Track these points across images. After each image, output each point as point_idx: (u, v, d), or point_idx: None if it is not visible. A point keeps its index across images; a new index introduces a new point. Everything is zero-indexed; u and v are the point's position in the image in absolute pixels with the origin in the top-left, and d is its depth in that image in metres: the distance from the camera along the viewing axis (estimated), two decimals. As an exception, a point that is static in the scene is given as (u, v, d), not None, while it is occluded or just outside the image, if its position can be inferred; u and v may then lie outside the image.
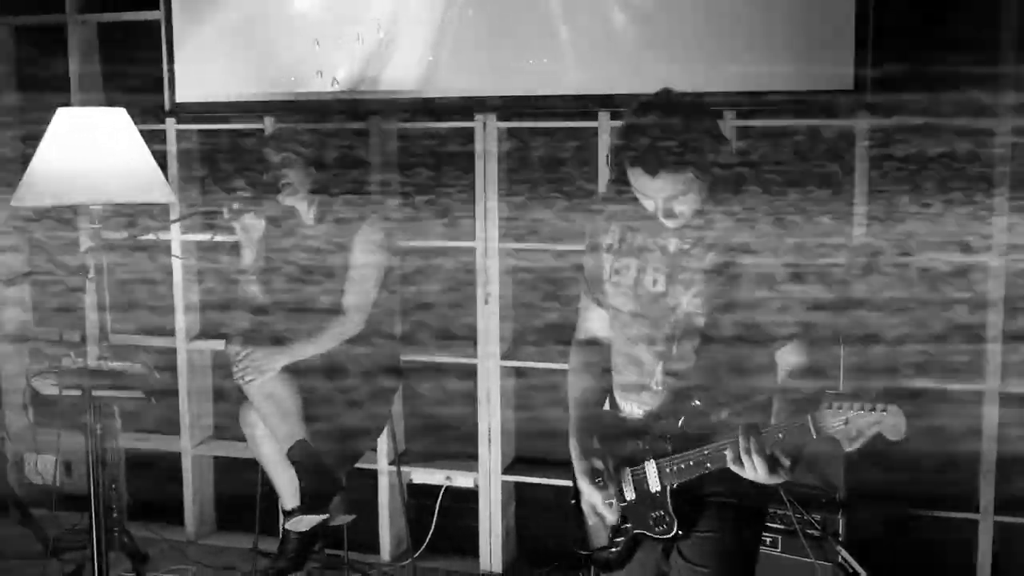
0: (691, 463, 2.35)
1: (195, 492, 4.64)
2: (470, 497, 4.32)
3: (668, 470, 2.39)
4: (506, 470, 4.27)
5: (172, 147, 4.45)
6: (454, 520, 4.39)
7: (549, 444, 4.07)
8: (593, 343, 2.63)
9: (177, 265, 4.49)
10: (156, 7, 4.39)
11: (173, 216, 4.32)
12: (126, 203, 3.83)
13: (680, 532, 2.40)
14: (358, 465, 3.96)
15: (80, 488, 4.60)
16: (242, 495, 4.14)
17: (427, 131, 4.30)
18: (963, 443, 3.76)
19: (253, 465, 3.90)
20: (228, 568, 4.33)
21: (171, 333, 4.56)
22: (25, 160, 3.47)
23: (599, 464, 2.45)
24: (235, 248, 3.88)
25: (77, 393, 3.40)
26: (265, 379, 3.56)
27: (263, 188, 3.72)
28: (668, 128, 2.21)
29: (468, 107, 4.11)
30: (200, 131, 4.55)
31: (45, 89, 4.59)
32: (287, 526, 3.67)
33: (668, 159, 2.21)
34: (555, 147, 4.21)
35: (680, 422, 2.39)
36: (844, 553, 3.40)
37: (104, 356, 3.76)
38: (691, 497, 2.40)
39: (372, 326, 3.75)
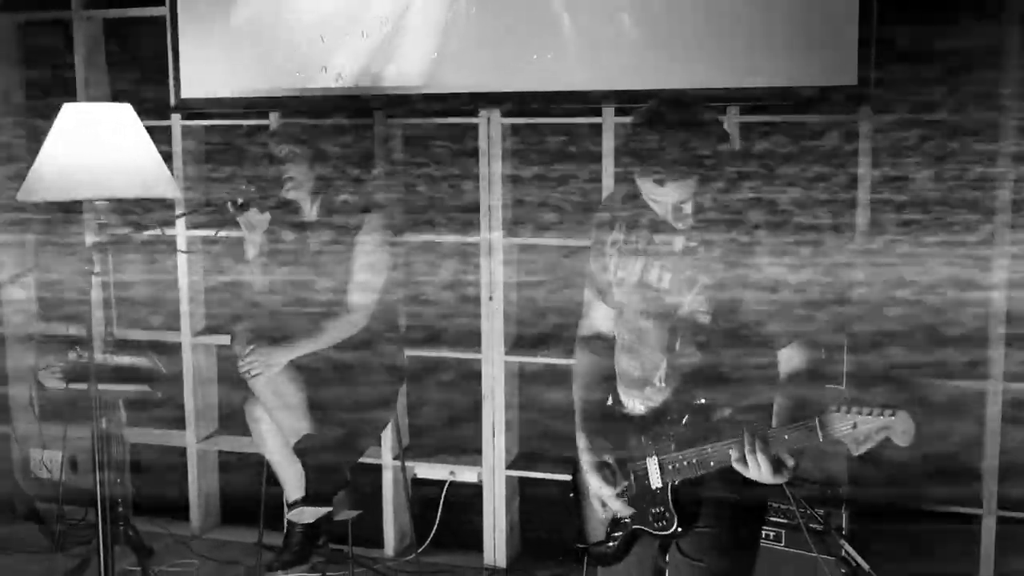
0: (694, 460, 2.36)
1: (200, 487, 4.65)
2: (474, 492, 4.33)
3: (670, 467, 2.40)
4: (510, 465, 4.28)
5: (177, 143, 4.46)
6: (458, 515, 4.40)
7: (553, 439, 4.08)
8: (597, 339, 2.64)
9: (182, 260, 4.51)
10: (162, 3, 4.39)
11: (178, 211, 4.34)
12: (131, 198, 3.85)
13: (680, 529, 2.41)
14: (362, 460, 3.97)
15: (86, 483, 4.63)
16: (247, 490, 4.16)
17: (431, 127, 4.31)
18: (966, 439, 3.77)
19: (258, 460, 3.91)
20: (232, 562, 4.34)
21: (176, 328, 4.58)
22: (31, 155, 3.49)
23: (609, 458, 2.46)
24: (240, 243, 3.89)
25: (83, 387, 3.41)
26: (271, 374, 3.57)
27: (267, 183, 3.73)
28: (673, 138, 2.21)
29: (472, 103, 4.12)
30: (205, 127, 4.56)
31: (51, 85, 4.61)
32: (289, 517, 3.68)
33: (675, 169, 2.22)
34: (559, 143, 4.22)
35: (683, 419, 2.40)
36: (847, 547, 3.40)
37: (110, 351, 3.77)
38: (691, 493, 2.41)
39: (376, 321, 3.77)
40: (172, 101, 4.44)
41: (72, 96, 4.50)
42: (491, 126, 4.11)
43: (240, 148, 4.52)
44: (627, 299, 2.49)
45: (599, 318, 2.64)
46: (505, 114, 4.10)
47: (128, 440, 4.70)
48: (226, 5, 4.33)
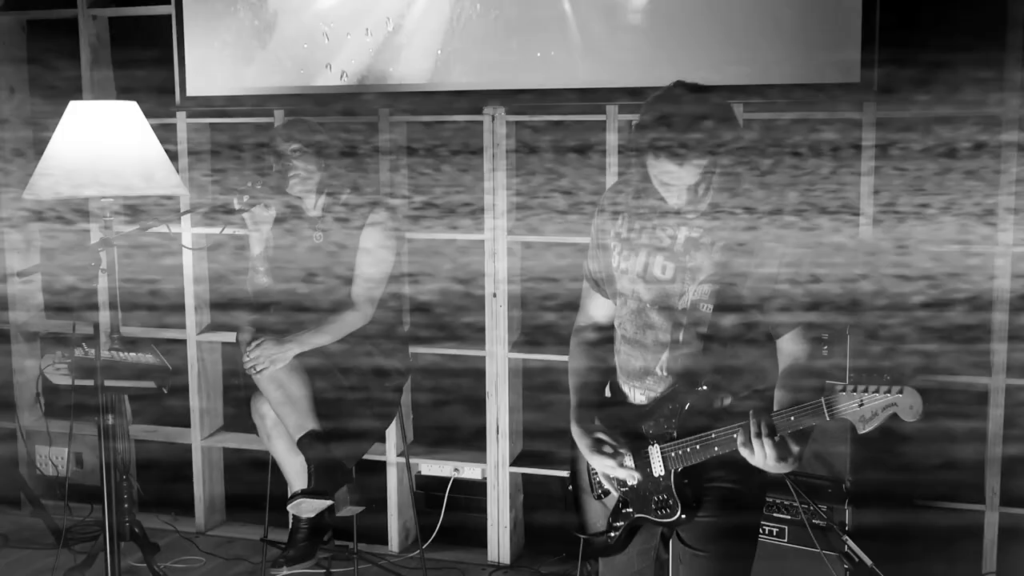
0: (698, 447, 2.37)
1: (205, 483, 4.67)
2: (478, 489, 4.35)
3: (674, 454, 2.41)
4: (514, 462, 4.29)
5: (183, 140, 4.48)
6: (462, 512, 4.41)
7: (557, 436, 4.09)
8: (594, 330, 2.65)
9: (188, 257, 4.52)
10: (167, 1, 4.41)
11: (183, 208, 4.35)
12: (137, 196, 3.86)
13: (683, 516, 2.42)
14: (367, 457, 3.98)
15: (91, 479, 4.65)
16: (252, 486, 4.16)
17: (435, 124, 4.32)
18: (969, 435, 3.78)
19: (263, 456, 3.92)
20: (238, 559, 4.35)
21: (181, 325, 4.59)
22: (38, 153, 3.50)
23: (602, 435, 2.47)
24: (245, 240, 3.90)
25: (89, 383, 3.43)
26: (275, 369, 3.59)
27: (272, 180, 3.74)
28: (693, 116, 2.24)
29: (477, 100, 4.13)
30: (210, 124, 4.58)
31: (57, 83, 4.62)
32: (288, 509, 3.68)
33: (694, 147, 2.23)
34: (563, 140, 4.23)
35: (685, 407, 2.40)
36: (850, 543, 3.41)
37: (115, 348, 3.78)
38: (693, 482, 2.42)
39: (380, 317, 3.78)
40: (177, 99, 4.45)
41: (78, 94, 4.52)
42: (495, 123, 4.12)
43: (245, 145, 4.53)
44: (630, 289, 2.49)
45: (597, 310, 2.64)
46: (509, 111, 4.11)
47: (133, 436, 4.72)
48: (231, 3, 4.34)
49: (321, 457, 3.57)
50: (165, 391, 3.71)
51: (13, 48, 4.81)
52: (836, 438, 3.46)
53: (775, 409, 2.29)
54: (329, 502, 3.60)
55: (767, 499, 3.46)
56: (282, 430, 3.65)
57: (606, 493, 2.57)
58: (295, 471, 3.68)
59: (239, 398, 4.21)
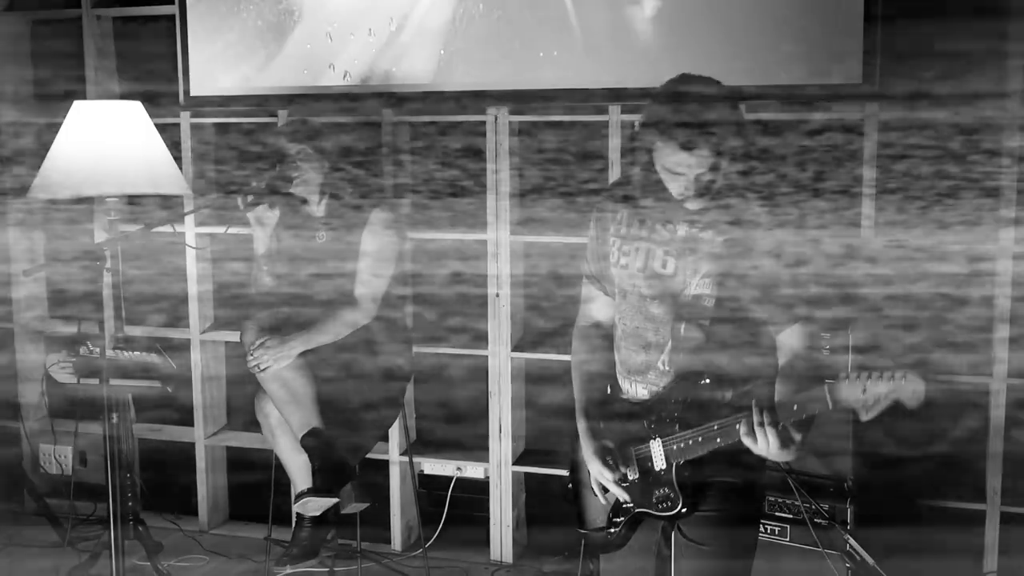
0: (699, 439, 2.37)
1: (209, 482, 4.68)
2: (481, 488, 4.35)
3: (675, 447, 2.42)
4: (517, 461, 4.30)
5: (187, 140, 4.49)
6: (465, 510, 4.42)
7: (559, 436, 4.09)
8: (595, 328, 2.66)
9: (192, 256, 4.53)
10: (171, 2, 4.42)
11: (187, 208, 4.36)
12: (141, 195, 3.87)
13: (685, 509, 2.43)
14: (370, 455, 3.99)
15: (95, 478, 4.66)
16: (255, 485, 4.17)
17: (439, 124, 4.33)
18: (970, 433, 3.79)
19: (266, 455, 3.93)
20: (241, 557, 4.37)
21: (185, 324, 4.61)
22: (42, 153, 3.51)
23: (610, 443, 2.48)
24: (249, 239, 3.91)
25: (94, 382, 3.44)
26: (279, 367, 3.60)
27: (276, 180, 3.75)
28: (703, 103, 2.25)
29: (480, 100, 4.14)
30: (214, 124, 4.59)
31: (61, 82, 4.63)
32: (295, 507, 3.69)
33: (704, 133, 2.24)
34: (566, 140, 4.23)
35: (687, 400, 2.41)
36: (852, 542, 3.42)
37: (120, 347, 3.79)
38: (695, 475, 2.43)
39: (383, 315, 3.79)
40: (181, 98, 4.47)
41: (83, 94, 4.53)
42: (498, 124, 4.13)
43: (249, 145, 4.54)
44: (631, 283, 2.50)
45: (597, 308, 2.65)
46: (513, 111, 4.12)
47: (137, 435, 4.73)
48: (235, 3, 4.35)
49: (325, 455, 3.58)
50: (169, 390, 3.72)
51: (18, 48, 4.82)
52: (838, 436, 3.46)
53: (776, 399, 2.30)
54: (335, 500, 3.61)
55: (769, 498, 3.48)
56: (286, 428, 3.66)
57: (604, 491, 2.58)
58: (299, 469, 3.69)
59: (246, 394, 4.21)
